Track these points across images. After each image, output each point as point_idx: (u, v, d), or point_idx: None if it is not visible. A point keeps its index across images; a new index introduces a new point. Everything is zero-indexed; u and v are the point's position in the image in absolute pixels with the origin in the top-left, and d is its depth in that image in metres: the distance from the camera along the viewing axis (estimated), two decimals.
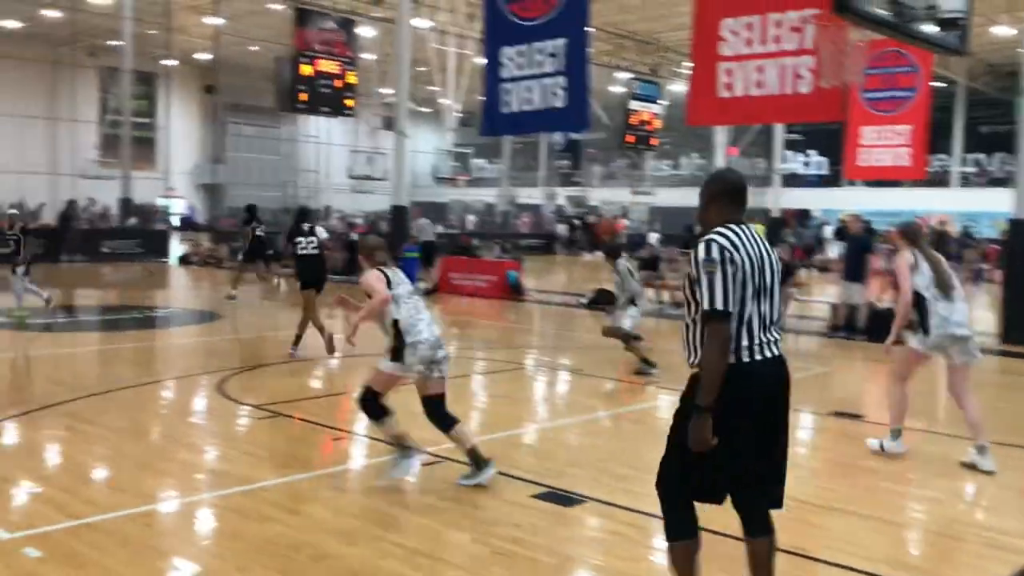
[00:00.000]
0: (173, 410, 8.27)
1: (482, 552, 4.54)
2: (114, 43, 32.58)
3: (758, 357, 3.44)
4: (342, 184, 39.38)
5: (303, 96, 22.43)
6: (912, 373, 6.79)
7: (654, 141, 35.12)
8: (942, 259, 6.62)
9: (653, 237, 31.96)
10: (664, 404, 8.80)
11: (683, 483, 3.54)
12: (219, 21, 31.55)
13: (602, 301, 17.21)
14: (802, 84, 12.12)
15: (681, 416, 3.47)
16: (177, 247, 29.42)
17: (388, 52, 31.12)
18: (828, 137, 36.63)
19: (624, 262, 10.11)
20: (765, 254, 3.51)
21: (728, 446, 3.36)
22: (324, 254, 11.36)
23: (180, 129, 42.18)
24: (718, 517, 3.78)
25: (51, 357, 10.76)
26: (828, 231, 34.01)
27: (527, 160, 51.64)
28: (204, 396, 8.57)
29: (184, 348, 12.36)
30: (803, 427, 8.08)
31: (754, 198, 42.49)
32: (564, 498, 5.48)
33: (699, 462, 3.40)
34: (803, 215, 38.61)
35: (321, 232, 11.46)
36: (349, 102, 23.74)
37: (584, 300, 17.49)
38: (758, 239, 3.53)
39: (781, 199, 37.66)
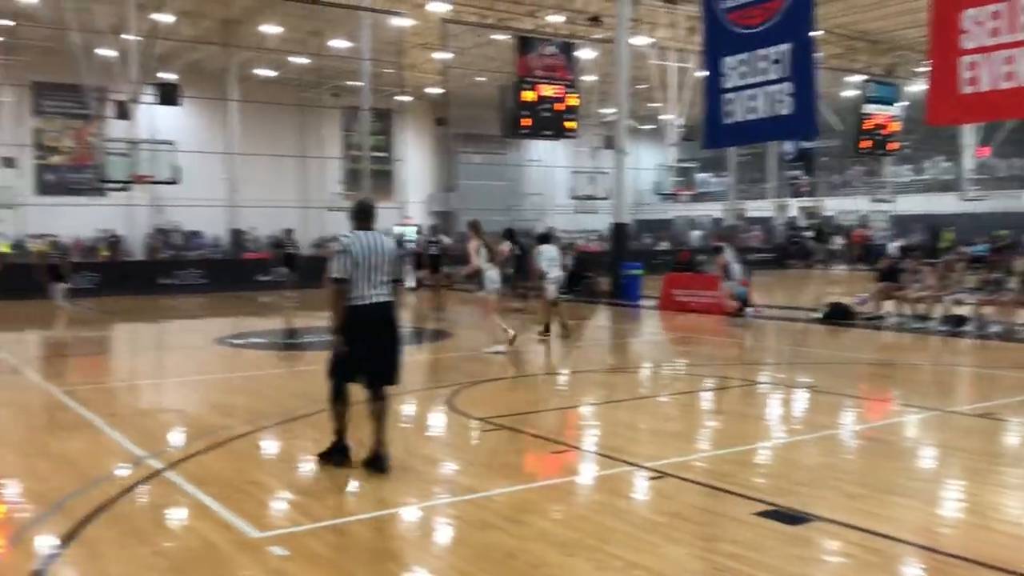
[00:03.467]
0: (409, 423, 8.69)
1: (701, 567, 4.42)
2: (354, 83, 35.00)
3: (365, 303, 6.21)
4: (566, 205, 39.96)
5: (526, 121, 23.00)
6: (495, 308, 12.64)
7: (892, 145, 33.08)
8: (491, 243, 12.71)
9: (892, 246, 30.05)
10: (908, 421, 8.24)
11: (335, 372, 6.39)
12: (447, 56, 33.03)
13: (837, 315, 16.40)
14: None
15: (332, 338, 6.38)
16: (411, 272, 30.87)
17: (608, 72, 31.43)
18: None
19: None
20: (377, 246, 6.27)
21: (351, 352, 6.24)
22: (444, 254, 20.40)
23: (415, 161, 44.56)
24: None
25: (293, 374, 11.63)
26: None
27: (754, 172, 50.17)
28: (437, 410, 8.96)
29: (417, 364, 12.97)
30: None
31: (1009, 201, 39.22)
32: (789, 516, 5.24)
33: (339, 360, 6.33)
34: None
35: (444, 239, 19.73)
36: (570, 124, 24.09)
37: (819, 314, 16.71)
38: (375, 238, 6.30)
39: None
